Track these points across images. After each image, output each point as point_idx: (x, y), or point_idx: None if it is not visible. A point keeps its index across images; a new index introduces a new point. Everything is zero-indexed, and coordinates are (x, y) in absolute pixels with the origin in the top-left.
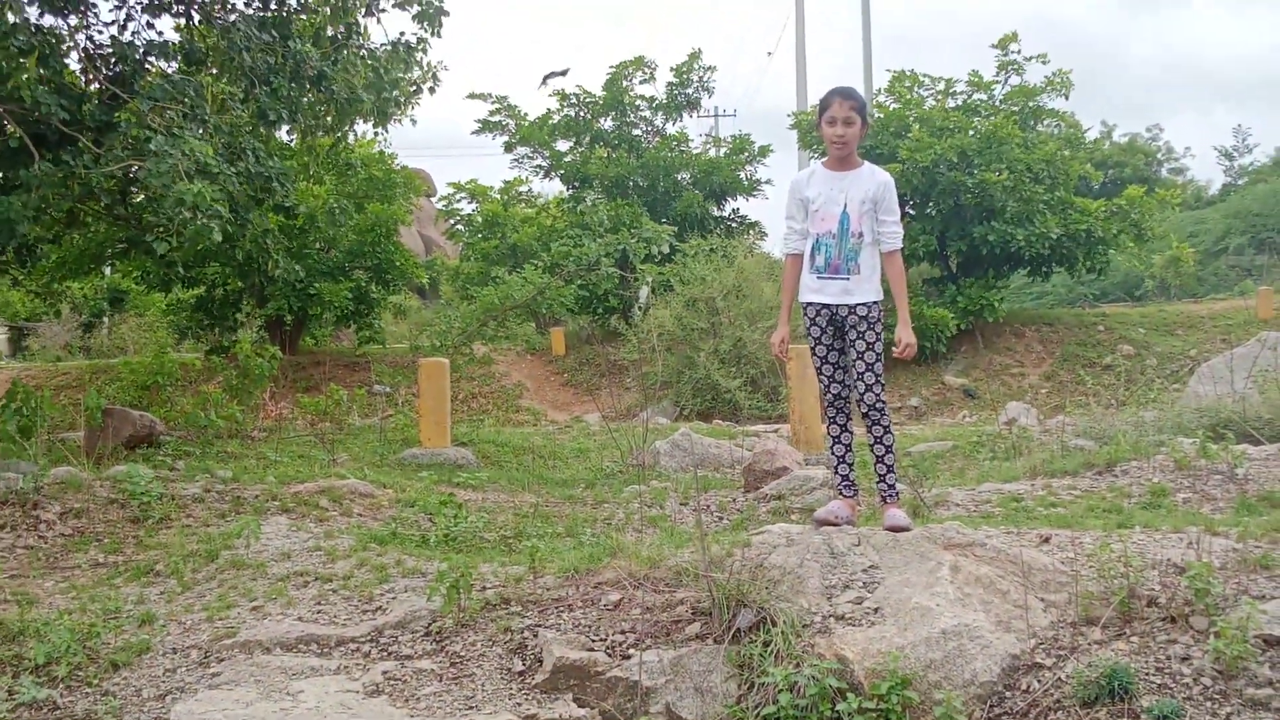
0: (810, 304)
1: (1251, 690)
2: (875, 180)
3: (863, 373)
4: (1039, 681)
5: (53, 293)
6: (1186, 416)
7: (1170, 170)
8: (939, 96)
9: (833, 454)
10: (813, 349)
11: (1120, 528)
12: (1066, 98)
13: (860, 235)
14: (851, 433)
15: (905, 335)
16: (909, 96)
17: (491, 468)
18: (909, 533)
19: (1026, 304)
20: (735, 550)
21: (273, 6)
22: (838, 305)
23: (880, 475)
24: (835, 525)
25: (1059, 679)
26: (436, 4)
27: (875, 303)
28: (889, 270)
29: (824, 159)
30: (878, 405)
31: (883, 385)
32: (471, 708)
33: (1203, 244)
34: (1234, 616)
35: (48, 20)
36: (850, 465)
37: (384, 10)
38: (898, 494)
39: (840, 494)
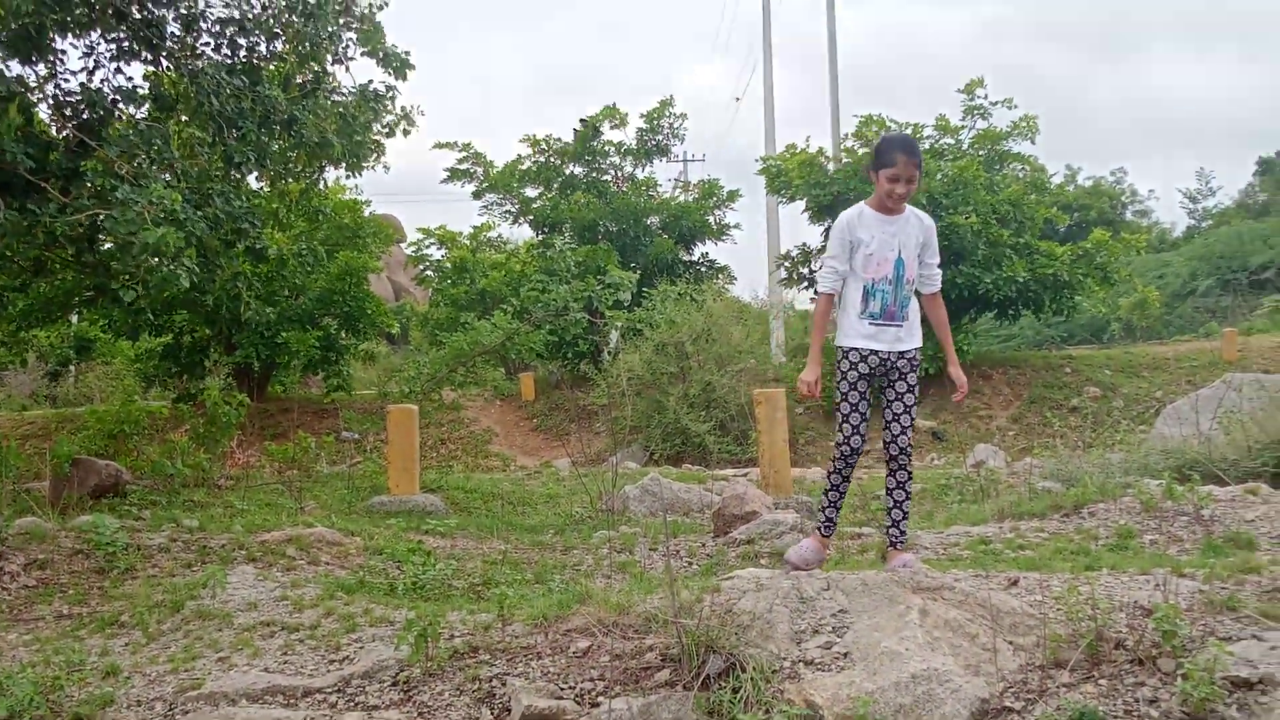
0: (857, 349)
1: None
2: (923, 225)
3: (900, 414)
4: None
5: (19, 341)
6: (1153, 458)
7: (1135, 213)
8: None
9: (827, 498)
10: (846, 394)
11: (1088, 570)
12: (1033, 142)
13: (911, 282)
14: (849, 479)
15: (959, 375)
16: (876, 140)
17: (460, 514)
18: (879, 576)
19: (994, 347)
20: (705, 596)
21: (242, 54)
22: (889, 352)
23: (896, 520)
24: (804, 570)
25: None
26: (402, 55)
27: (918, 351)
28: (934, 313)
29: (868, 200)
30: (908, 450)
31: (913, 428)
32: None
33: (1168, 286)
34: (1201, 658)
35: (15, 69)
36: (839, 509)
37: (352, 58)
38: (901, 541)
39: (818, 531)
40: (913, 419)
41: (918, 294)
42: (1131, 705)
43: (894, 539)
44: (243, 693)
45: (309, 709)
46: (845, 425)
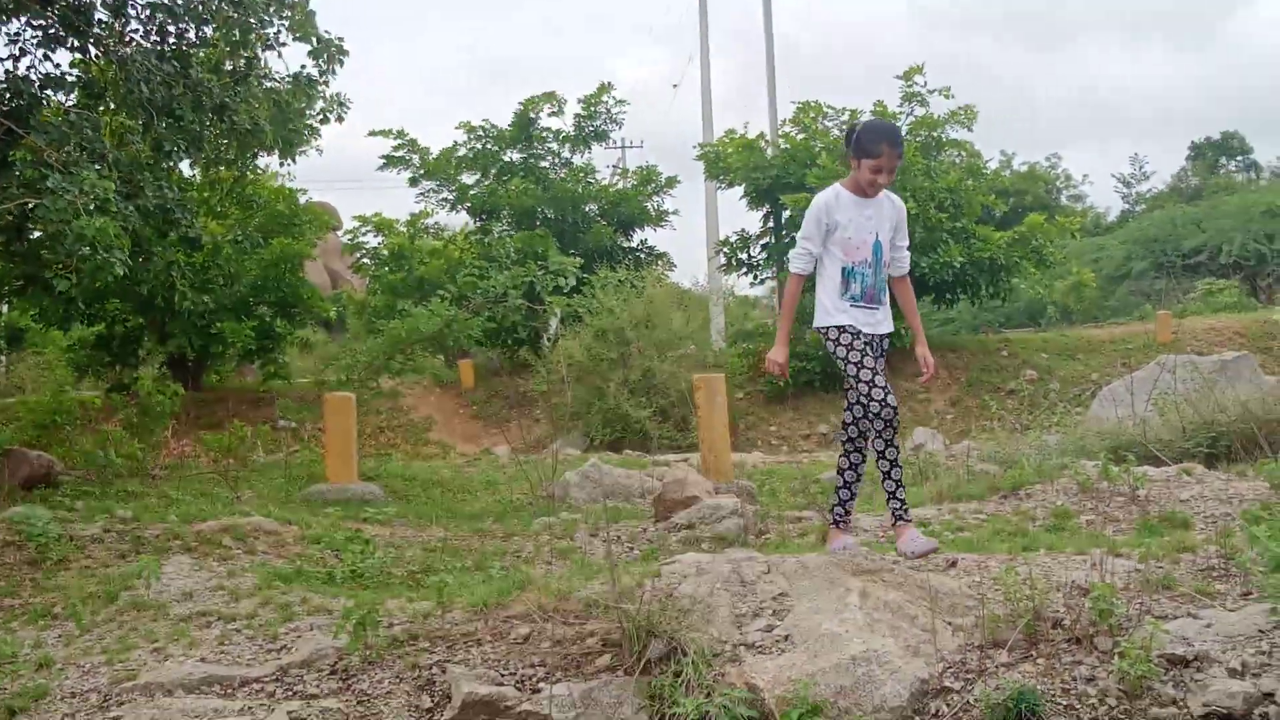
0: (848, 328)
1: (1155, 710)
2: (895, 207)
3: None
4: (948, 705)
5: None
6: (1089, 439)
7: (1069, 197)
8: (844, 127)
9: (849, 474)
10: (860, 363)
11: (1025, 551)
12: (970, 129)
13: (887, 264)
14: (865, 457)
15: (927, 355)
16: (815, 127)
17: (399, 502)
18: (818, 559)
19: (932, 331)
20: (645, 581)
21: (171, 40)
22: (870, 334)
23: (898, 492)
24: (847, 551)
25: (967, 702)
26: (336, 42)
27: (891, 333)
28: (903, 295)
29: (843, 181)
30: (890, 432)
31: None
32: None
33: (1103, 269)
34: (1138, 637)
35: None
36: (854, 496)
37: (284, 44)
38: (905, 516)
39: (835, 524)
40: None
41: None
42: (1069, 684)
43: (901, 513)
44: (179, 683)
45: (246, 698)
46: (875, 390)
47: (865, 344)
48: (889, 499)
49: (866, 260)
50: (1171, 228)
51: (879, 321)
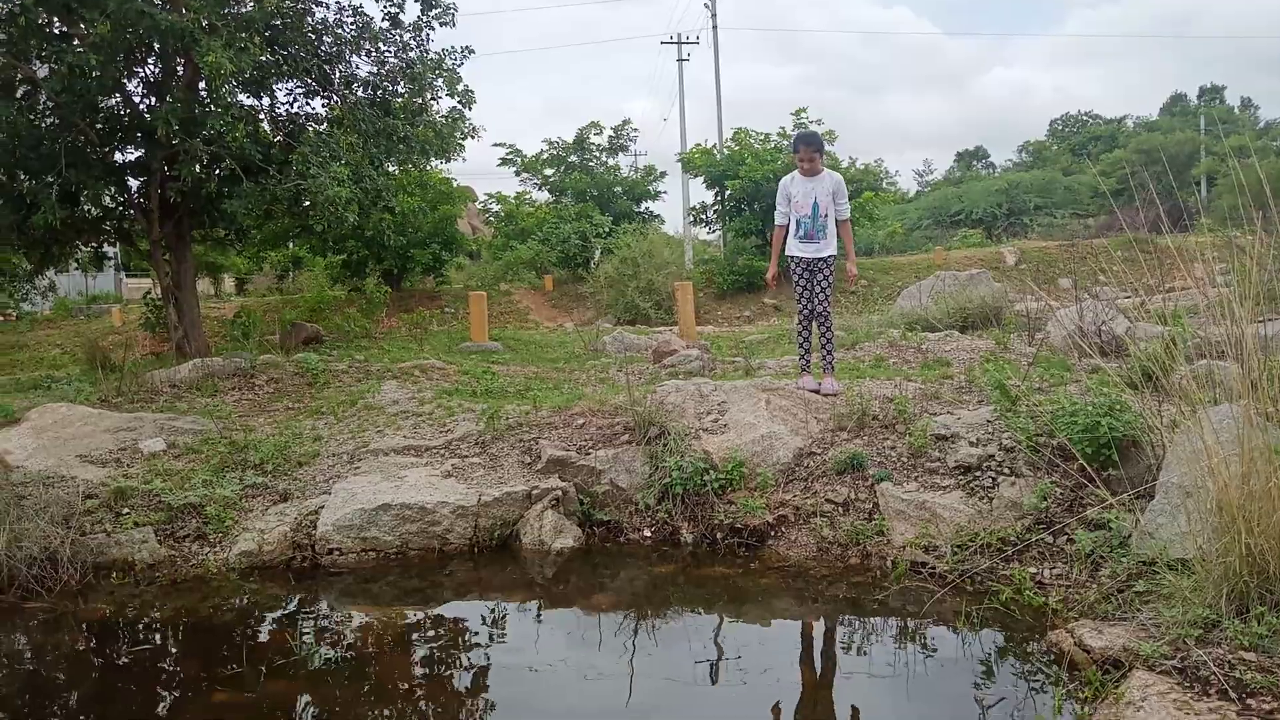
0: (795, 257)
1: (927, 464)
2: (832, 180)
3: (819, 292)
4: (813, 461)
5: (259, 257)
6: (895, 318)
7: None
8: (761, 141)
9: (800, 346)
10: (796, 282)
11: (858, 378)
12: (833, 144)
13: (825, 215)
14: (810, 331)
15: (852, 268)
16: (745, 141)
17: (511, 352)
18: (745, 383)
19: None
20: (647, 395)
21: (378, 94)
22: (812, 258)
23: (824, 355)
24: (808, 390)
25: (824, 460)
26: (470, 92)
27: (832, 256)
28: (843, 231)
29: (797, 170)
30: (826, 312)
31: (830, 300)
32: (503, 482)
33: (906, 222)
34: (919, 425)
35: (247, 101)
36: (808, 352)
37: (441, 97)
38: (834, 367)
39: (802, 370)
40: (828, 297)
41: (837, 221)
42: (882, 450)
43: (825, 367)
44: (392, 449)
45: (429, 457)
46: (799, 300)
47: (805, 267)
48: (821, 356)
49: (807, 214)
50: (945, 200)
51: (819, 250)
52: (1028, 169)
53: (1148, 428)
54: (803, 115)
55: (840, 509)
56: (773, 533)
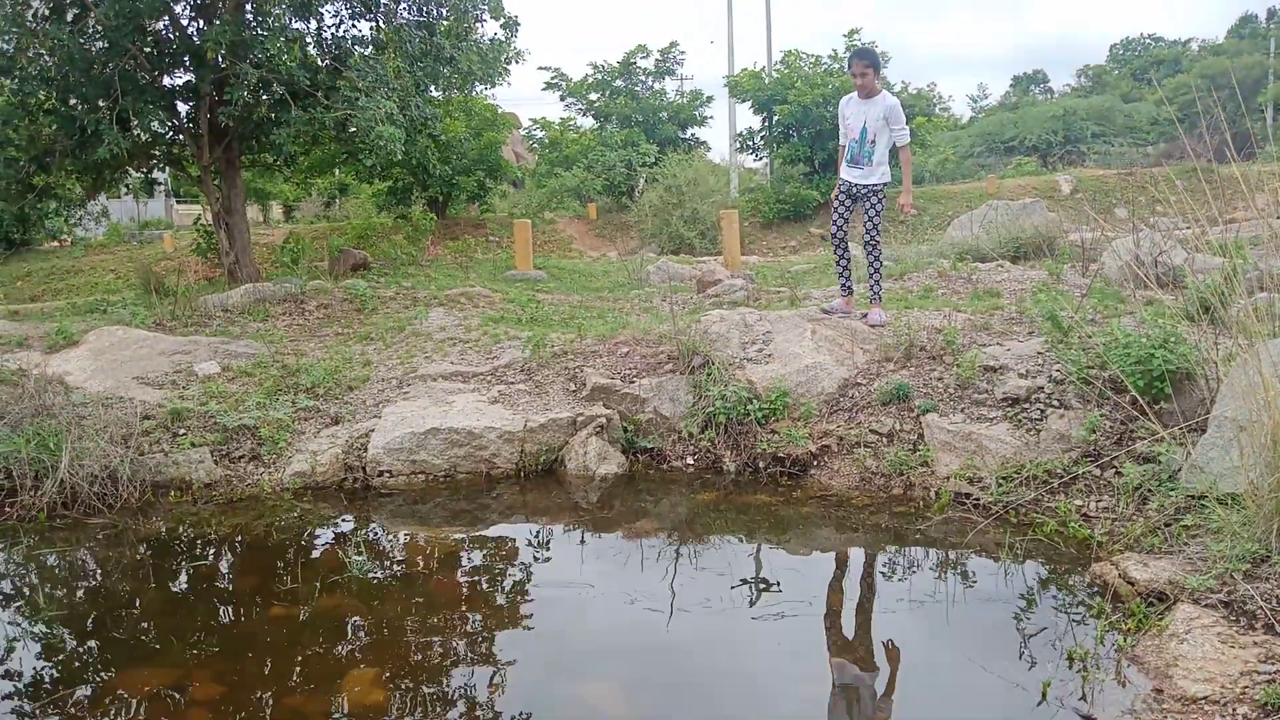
0: (842, 179)
1: (974, 395)
2: (885, 104)
3: (869, 219)
4: (858, 392)
5: (306, 184)
6: (945, 248)
7: (940, 109)
8: (812, 65)
9: (838, 267)
10: (836, 206)
11: (906, 308)
12: (886, 65)
13: (873, 141)
14: (850, 255)
15: (907, 200)
16: (795, 65)
17: (555, 281)
18: (790, 313)
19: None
20: (691, 324)
21: (424, 16)
22: (857, 183)
23: (872, 285)
24: (834, 314)
25: (869, 390)
26: (514, 17)
27: (881, 185)
28: (903, 158)
29: (855, 91)
30: (875, 242)
31: (879, 230)
32: (548, 409)
33: (959, 149)
34: (967, 356)
35: (296, 24)
36: (848, 275)
37: (485, 21)
38: (881, 298)
39: (841, 293)
40: (876, 225)
41: (896, 148)
42: (929, 381)
43: (872, 298)
44: (439, 375)
45: (475, 383)
46: (835, 224)
47: (847, 192)
48: (870, 286)
49: (854, 139)
50: (998, 127)
51: (866, 175)
52: (1086, 95)
53: (1203, 360)
54: (855, 36)
55: (884, 439)
56: (815, 462)
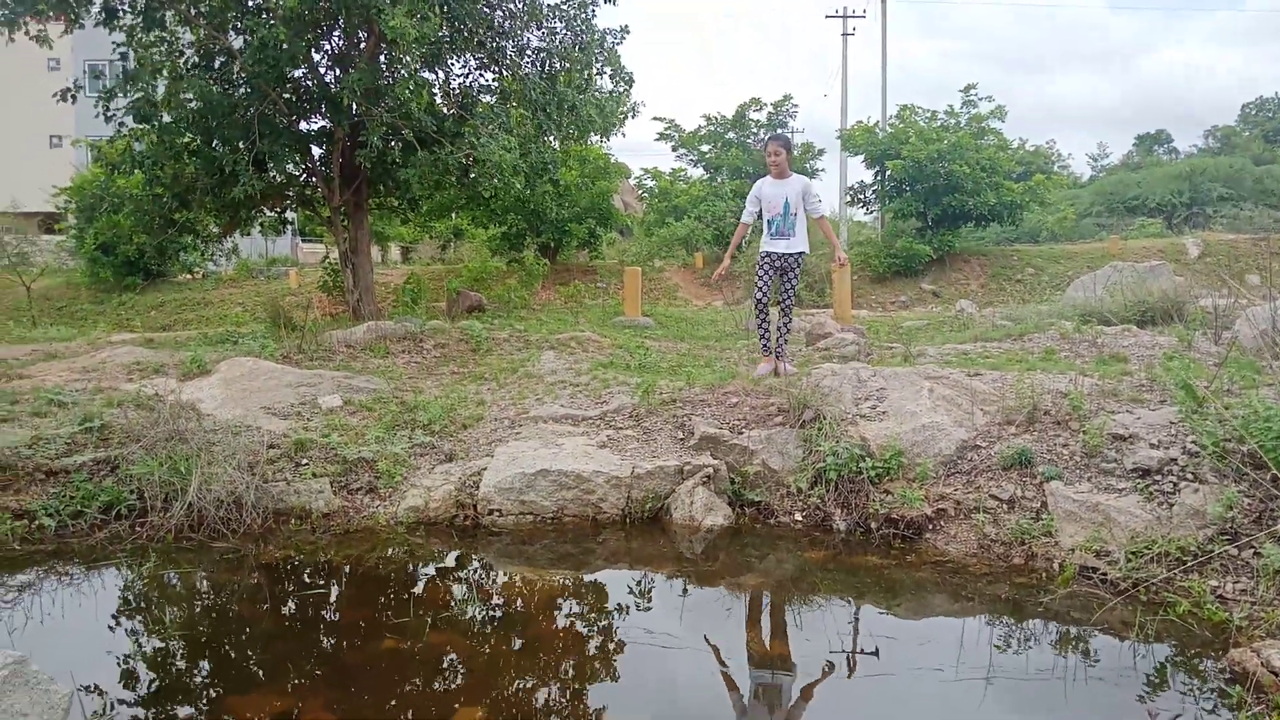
0: (767, 253)
1: (1102, 464)
2: (802, 182)
3: (788, 286)
4: (977, 455)
5: (426, 227)
6: (1066, 310)
7: (1059, 167)
8: (928, 120)
9: (761, 330)
10: (760, 276)
11: (1028, 370)
12: (1003, 121)
13: (795, 215)
14: (767, 318)
15: (841, 254)
16: (909, 119)
17: (663, 329)
18: (905, 369)
19: (972, 243)
20: (802, 377)
21: (546, 68)
22: (782, 254)
23: (780, 341)
24: (768, 376)
25: (989, 454)
26: (629, 72)
27: (802, 253)
28: (822, 226)
29: (769, 173)
30: (789, 304)
31: (795, 294)
32: (655, 456)
33: (1078, 209)
34: (1095, 423)
35: (425, 74)
36: (768, 337)
37: (604, 74)
38: (783, 354)
39: (763, 354)
40: (794, 289)
41: (815, 220)
42: (1052, 447)
43: (779, 351)
44: (550, 417)
45: (585, 427)
46: (760, 288)
47: (774, 263)
48: (778, 339)
49: (779, 212)
50: (1120, 186)
51: (790, 245)
52: (1214, 155)
53: None
54: (972, 91)
55: (1004, 506)
56: (930, 526)
